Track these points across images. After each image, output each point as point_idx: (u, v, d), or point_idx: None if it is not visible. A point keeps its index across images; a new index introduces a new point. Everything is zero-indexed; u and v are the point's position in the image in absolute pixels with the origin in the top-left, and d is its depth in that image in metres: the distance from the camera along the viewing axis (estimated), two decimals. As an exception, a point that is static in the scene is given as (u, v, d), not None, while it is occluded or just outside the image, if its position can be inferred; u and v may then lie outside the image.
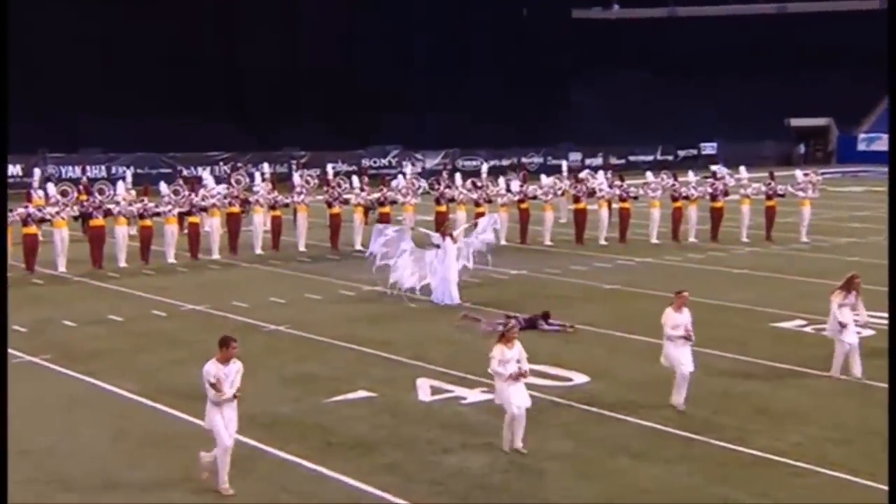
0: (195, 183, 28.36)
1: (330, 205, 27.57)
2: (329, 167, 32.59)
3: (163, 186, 26.28)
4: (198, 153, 47.91)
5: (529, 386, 11.55)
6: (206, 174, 30.35)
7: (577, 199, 28.69)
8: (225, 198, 26.50)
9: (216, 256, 25.67)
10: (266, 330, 17.58)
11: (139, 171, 44.46)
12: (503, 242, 28.33)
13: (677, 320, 12.67)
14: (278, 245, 27.00)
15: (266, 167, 33.63)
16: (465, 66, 64.69)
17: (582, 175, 30.37)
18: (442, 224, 22.65)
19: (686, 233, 28.93)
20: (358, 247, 27.20)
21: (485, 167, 34.29)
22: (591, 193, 28.90)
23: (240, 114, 55.11)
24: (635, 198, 29.33)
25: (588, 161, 53.39)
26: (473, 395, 13.41)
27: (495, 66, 65.32)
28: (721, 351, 15.58)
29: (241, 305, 19.58)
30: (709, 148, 63.77)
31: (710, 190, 29.44)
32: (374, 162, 53.62)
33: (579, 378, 14.34)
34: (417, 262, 20.09)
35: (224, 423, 9.93)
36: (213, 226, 26.10)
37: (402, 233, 20.46)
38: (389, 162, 53.32)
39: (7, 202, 23.96)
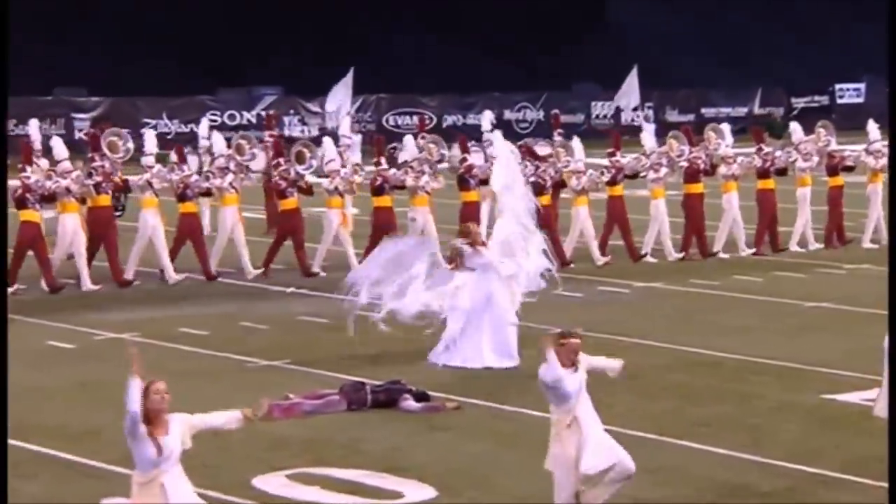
0: (29, 152, 27.84)
1: (282, 193, 28.04)
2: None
3: None
4: None
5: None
6: (56, 140, 29.79)
7: (692, 177, 29.59)
8: (89, 176, 26.83)
9: (88, 284, 26.19)
10: None
11: None
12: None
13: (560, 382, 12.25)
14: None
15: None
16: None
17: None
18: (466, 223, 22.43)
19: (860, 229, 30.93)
20: (316, 269, 27.42)
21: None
22: (708, 171, 29.78)
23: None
24: (782, 171, 30.41)
25: (632, 117, 53.18)
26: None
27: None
28: (714, 445, 15.81)
29: None
30: (851, 93, 64.21)
31: None
32: (231, 117, 53.82)
33: (417, 493, 14.39)
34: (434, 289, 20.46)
35: None
36: (66, 228, 26.60)
37: (421, 247, 21.00)
38: (259, 115, 53.24)
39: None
